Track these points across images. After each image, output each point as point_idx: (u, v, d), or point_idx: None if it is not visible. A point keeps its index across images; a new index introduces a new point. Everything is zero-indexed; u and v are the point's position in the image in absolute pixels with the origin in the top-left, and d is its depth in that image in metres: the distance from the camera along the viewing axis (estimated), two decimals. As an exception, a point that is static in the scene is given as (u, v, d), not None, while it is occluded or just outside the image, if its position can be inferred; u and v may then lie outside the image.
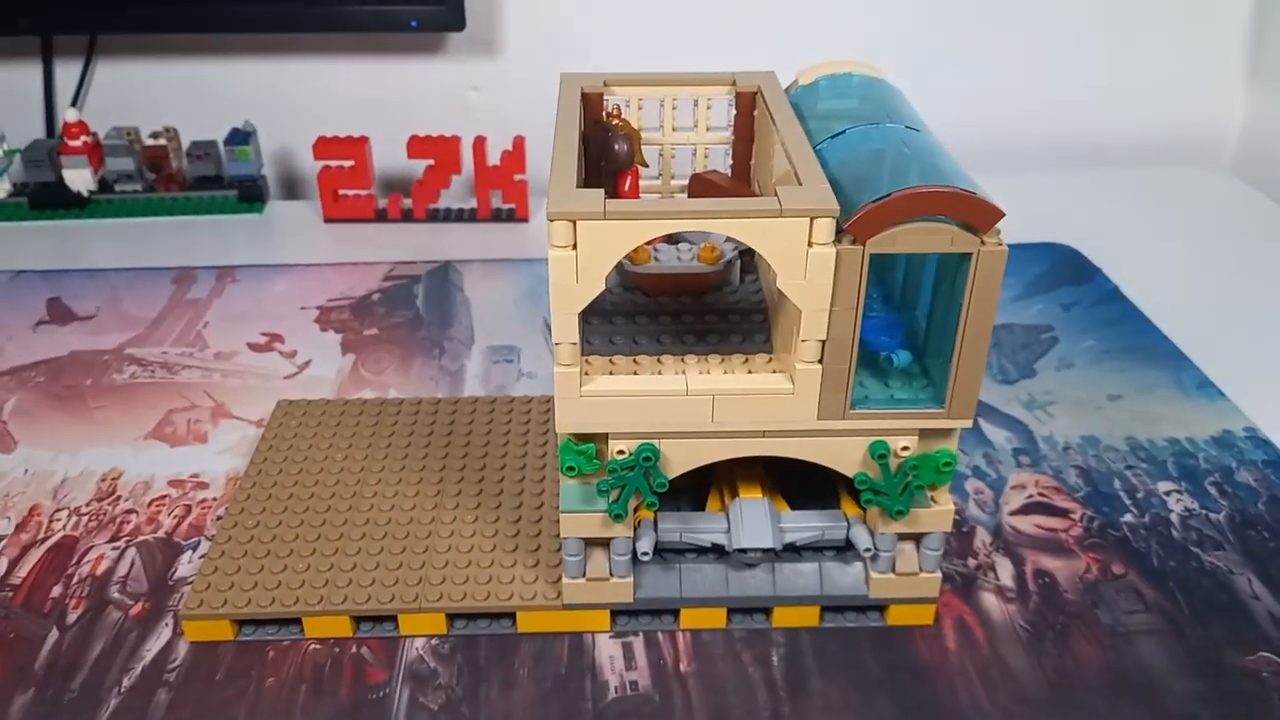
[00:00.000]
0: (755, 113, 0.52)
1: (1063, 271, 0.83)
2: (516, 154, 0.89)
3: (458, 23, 0.89)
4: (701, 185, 0.53)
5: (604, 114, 0.52)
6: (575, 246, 0.39)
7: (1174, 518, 0.57)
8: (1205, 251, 0.87)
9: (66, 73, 0.97)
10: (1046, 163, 1.04)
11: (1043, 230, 0.88)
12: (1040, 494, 0.59)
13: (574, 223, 0.38)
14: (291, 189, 1.03)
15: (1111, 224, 0.91)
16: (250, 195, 0.92)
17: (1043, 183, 0.97)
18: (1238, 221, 0.93)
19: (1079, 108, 1.03)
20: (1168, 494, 0.59)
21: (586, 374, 0.43)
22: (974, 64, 1.00)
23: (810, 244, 0.39)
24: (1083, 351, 0.72)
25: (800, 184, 0.40)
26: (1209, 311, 0.77)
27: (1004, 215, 0.39)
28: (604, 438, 0.44)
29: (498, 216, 0.91)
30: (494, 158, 0.90)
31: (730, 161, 0.54)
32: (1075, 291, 0.80)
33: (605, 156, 0.50)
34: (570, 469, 0.44)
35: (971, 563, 0.54)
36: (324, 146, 0.88)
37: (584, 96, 0.51)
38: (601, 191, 0.39)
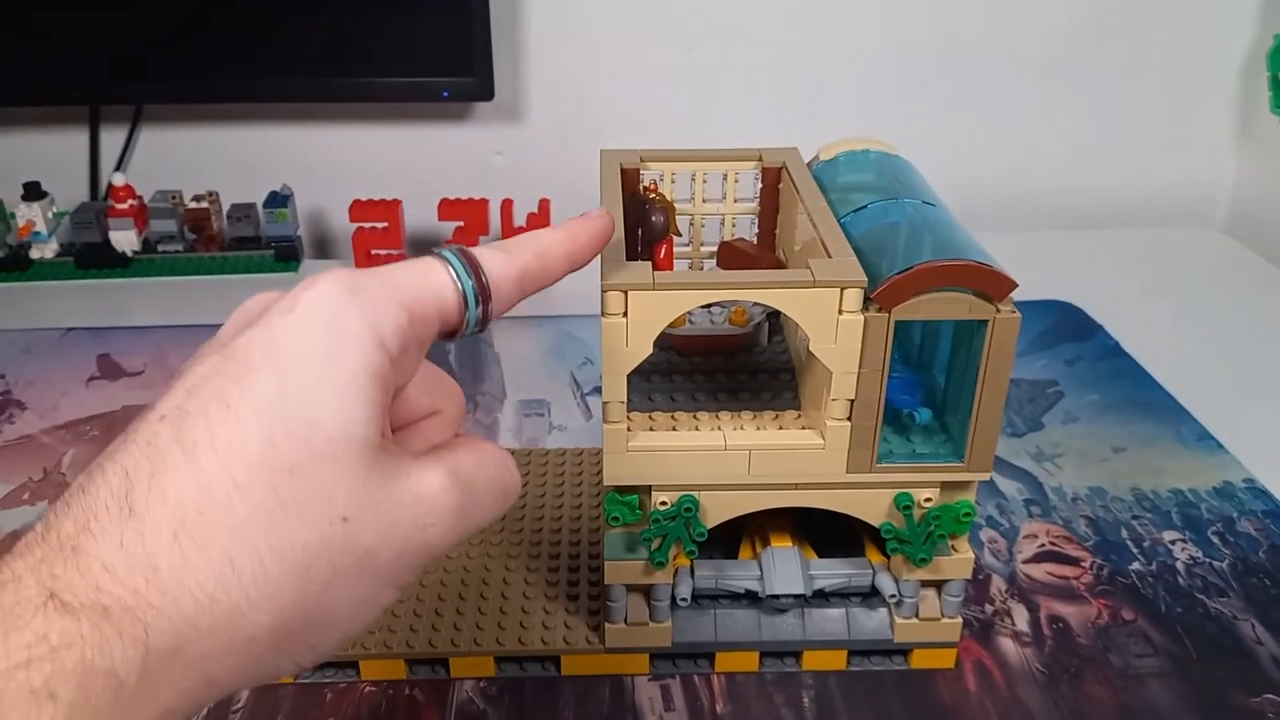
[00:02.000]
0: (780, 186, 0.56)
1: (1066, 328, 0.86)
2: (542, 216, 0.93)
3: (487, 93, 0.94)
4: (729, 252, 0.57)
5: (641, 188, 0.56)
6: (626, 314, 0.42)
7: (1179, 565, 0.60)
8: (1201, 308, 0.91)
9: (112, 139, 1.01)
10: (1047, 223, 1.09)
11: (1045, 288, 0.92)
12: (1051, 543, 0.62)
13: (625, 293, 0.42)
14: (323, 248, 1.08)
15: (1111, 282, 0.95)
16: (286, 255, 0.96)
17: (1044, 242, 1.01)
18: (1231, 278, 0.97)
19: (1077, 170, 1.08)
20: (1173, 543, 0.62)
21: (629, 430, 0.46)
22: (976, 130, 1.05)
23: (840, 312, 0.43)
24: (1087, 405, 0.76)
25: (830, 256, 0.44)
26: (1206, 366, 0.81)
27: (1017, 286, 0.43)
28: (647, 490, 0.47)
29: (524, 275, 0.95)
30: (520, 219, 0.94)
31: (755, 230, 0.58)
32: (1078, 347, 0.84)
33: (643, 226, 0.54)
34: (615, 519, 0.47)
35: (989, 609, 0.57)
36: (359, 209, 0.93)
37: (622, 171, 0.55)
38: (650, 264, 0.43)
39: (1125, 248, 1.02)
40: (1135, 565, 0.60)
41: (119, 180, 0.94)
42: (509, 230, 0.94)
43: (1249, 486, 0.66)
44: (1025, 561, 0.60)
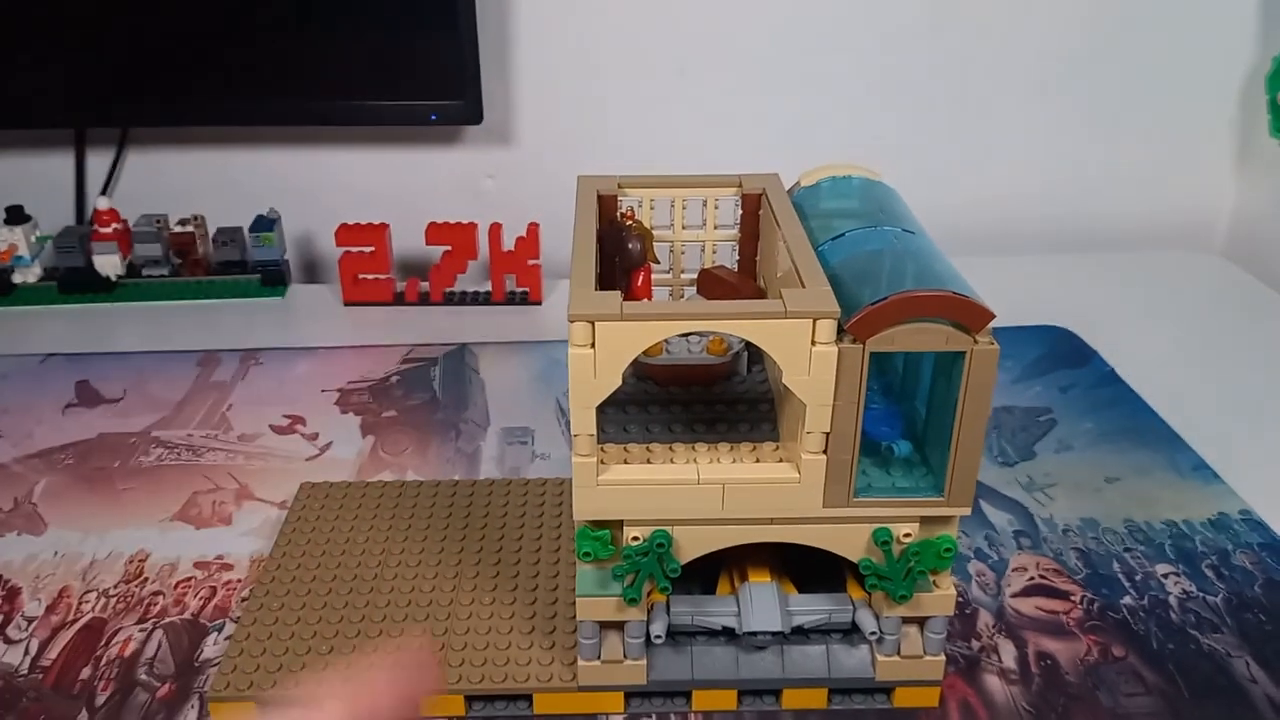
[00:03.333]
0: (760, 212, 0.55)
1: (1060, 354, 0.85)
2: (530, 240, 0.93)
3: (475, 116, 0.93)
4: (710, 280, 0.55)
5: (618, 215, 0.55)
6: (594, 345, 0.41)
7: (1172, 600, 0.58)
8: (1198, 334, 0.90)
9: (98, 162, 1.01)
10: (1043, 247, 1.08)
11: (1040, 313, 0.90)
12: (1041, 576, 0.60)
13: (593, 323, 0.41)
14: (311, 272, 1.07)
15: (1107, 307, 0.93)
16: (273, 279, 0.95)
17: (1039, 267, 1.00)
18: (1229, 304, 0.95)
19: (1073, 194, 1.07)
20: (1165, 576, 0.60)
21: (602, 463, 0.45)
22: (971, 153, 1.04)
23: (813, 343, 0.41)
24: (1081, 434, 0.74)
25: (803, 286, 0.43)
26: (1203, 393, 0.79)
27: (995, 317, 0.42)
28: (619, 524, 0.46)
29: (512, 300, 0.94)
30: (508, 243, 0.93)
31: (736, 257, 0.57)
32: (1072, 374, 0.82)
33: (620, 254, 0.53)
34: (586, 554, 0.46)
35: (975, 645, 0.55)
36: (346, 233, 0.92)
37: (599, 198, 0.54)
38: (618, 294, 0.42)
39: (1122, 272, 1.00)
40: (1127, 600, 0.58)
41: (103, 204, 0.93)
42: (497, 254, 0.93)
43: (1245, 518, 0.65)
44: (1014, 595, 0.59)
